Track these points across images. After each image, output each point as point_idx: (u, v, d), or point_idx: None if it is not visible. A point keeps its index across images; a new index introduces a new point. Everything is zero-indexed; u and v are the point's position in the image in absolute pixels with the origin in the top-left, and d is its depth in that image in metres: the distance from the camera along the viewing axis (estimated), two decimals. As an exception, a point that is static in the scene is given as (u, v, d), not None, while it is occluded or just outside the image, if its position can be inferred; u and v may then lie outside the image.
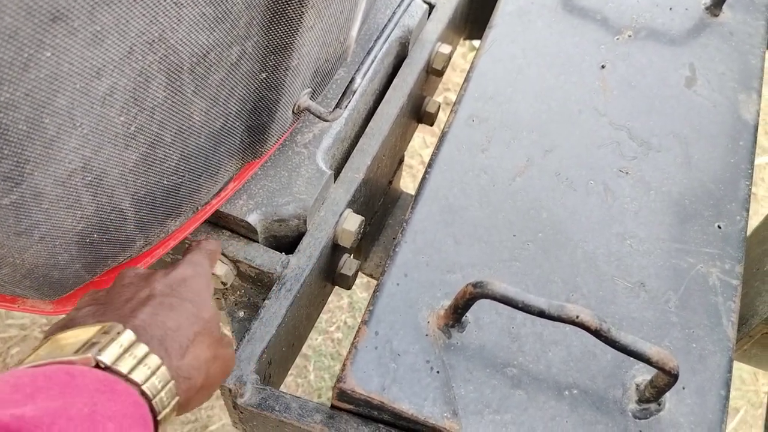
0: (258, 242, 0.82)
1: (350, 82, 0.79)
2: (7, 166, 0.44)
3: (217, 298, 0.89)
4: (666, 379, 0.63)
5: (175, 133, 0.60)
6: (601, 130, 0.86)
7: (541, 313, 0.62)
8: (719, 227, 0.79)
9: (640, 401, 0.67)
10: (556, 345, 0.70)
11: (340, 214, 0.85)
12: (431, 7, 1.06)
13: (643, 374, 0.68)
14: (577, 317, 0.62)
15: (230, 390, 0.70)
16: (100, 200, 0.57)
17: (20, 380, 0.45)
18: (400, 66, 1.00)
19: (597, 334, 0.62)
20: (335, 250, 0.87)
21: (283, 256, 0.80)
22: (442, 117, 1.20)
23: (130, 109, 0.51)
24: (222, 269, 0.81)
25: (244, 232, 0.82)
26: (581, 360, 0.69)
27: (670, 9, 0.98)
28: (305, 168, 0.85)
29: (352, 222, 0.85)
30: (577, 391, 0.68)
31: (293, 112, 0.79)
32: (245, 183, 0.82)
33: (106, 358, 0.49)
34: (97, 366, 0.48)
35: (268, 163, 0.84)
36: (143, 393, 0.50)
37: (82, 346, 0.49)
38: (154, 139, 0.57)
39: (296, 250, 0.81)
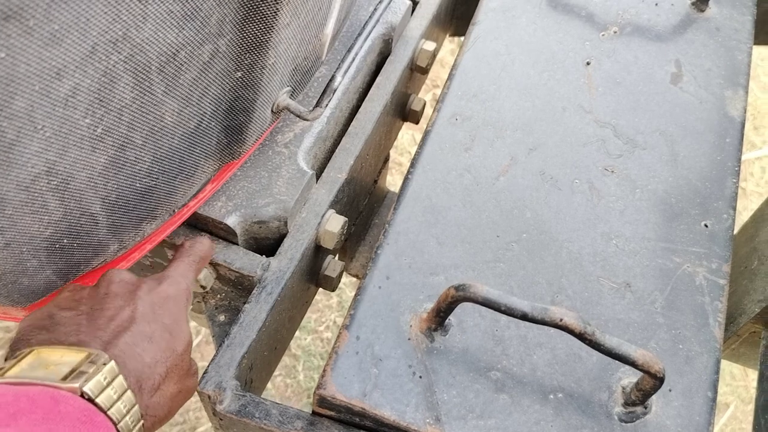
0: (238, 245, 0.81)
1: (330, 80, 0.78)
2: (-37, 171, 0.43)
3: (198, 302, 0.87)
4: (652, 382, 0.62)
5: (146, 135, 0.58)
6: (586, 127, 0.85)
7: (525, 317, 0.61)
8: (706, 226, 0.78)
9: (626, 404, 0.66)
10: (541, 348, 0.69)
11: (323, 215, 0.83)
12: (415, 3, 1.05)
13: (629, 377, 0.67)
14: (561, 320, 0.60)
15: (209, 396, 0.69)
16: (68, 205, 0.55)
17: (4, 398, 0.46)
18: (384, 63, 0.98)
19: (581, 337, 0.61)
20: (318, 251, 0.85)
21: (264, 258, 0.79)
22: (428, 114, 1.19)
23: (95, 110, 0.50)
24: (202, 272, 0.79)
25: (223, 234, 0.80)
26: (566, 363, 0.68)
27: (656, 4, 0.96)
28: (286, 168, 0.84)
29: (335, 223, 0.83)
30: (562, 395, 0.66)
31: (272, 111, 0.78)
32: (224, 184, 0.80)
33: (91, 390, 0.50)
34: (81, 395, 0.50)
35: (248, 164, 0.83)
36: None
37: (69, 373, 0.50)
38: (124, 141, 0.56)
39: (277, 253, 0.80)
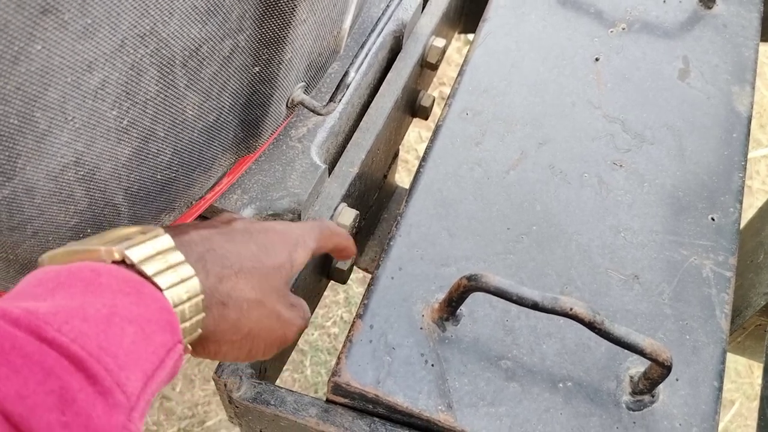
0: (252, 237, 0.82)
1: (344, 75, 0.79)
2: (-2, 160, 0.44)
3: (212, 293, 0.89)
4: (659, 370, 0.63)
5: (168, 128, 0.60)
6: (594, 122, 0.86)
7: (535, 306, 0.62)
8: (713, 219, 0.79)
9: (633, 393, 0.67)
10: (551, 337, 0.70)
11: (335, 209, 0.85)
12: (425, 0, 1.06)
13: (637, 366, 0.69)
14: (571, 309, 0.62)
15: (225, 384, 0.70)
16: (93, 195, 0.57)
17: (47, 274, 0.43)
18: (395, 60, 1.00)
19: (590, 326, 0.62)
20: (330, 244, 0.87)
21: (278, 250, 0.80)
22: (437, 111, 1.20)
23: (122, 102, 0.51)
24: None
25: (238, 226, 0.82)
26: (575, 352, 0.69)
27: (664, 1, 0.98)
28: (299, 162, 0.85)
29: (347, 216, 0.85)
30: (571, 384, 0.68)
31: (287, 106, 0.79)
32: (239, 177, 0.82)
33: (134, 255, 0.44)
34: (123, 263, 0.44)
35: (262, 158, 0.84)
36: None
37: (113, 241, 0.46)
38: (147, 134, 0.57)
39: (291, 245, 0.81)
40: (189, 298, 0.46)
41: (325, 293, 2.14)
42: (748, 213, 2.25)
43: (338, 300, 2.13)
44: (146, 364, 0.41)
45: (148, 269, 0.44)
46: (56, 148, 0.48)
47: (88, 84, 0.46)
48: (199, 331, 0.48)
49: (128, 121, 0.53)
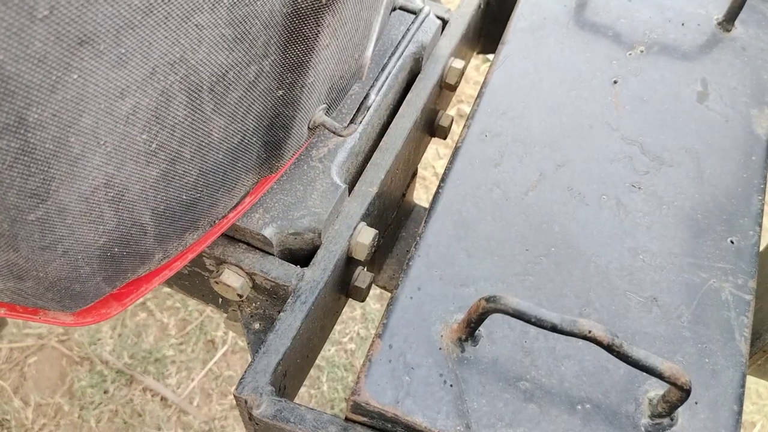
0: (274, 255, 0.83)
1: (365, 98, 0.80)
2: (33, 183, 0.46)
3: (233, 310, 0.90)
4: (678, 394, 0.63)
5: (195, 150, 0.61)
6: (613, 144, 0.87)
7: (554, 328, 0.63)
8: (732, 242, 0.79)
9: (652, 416, 0.67)
10: (569, 359, 0.70)
11: (354, 228, 0.86)
12: (444, 22, 1.08)
13: (656, 389, 0.69)
14: (590, 332, 0.62)
15: (246, 401, 0.71)
16: (121, 215, 0.58)
17: None
18: (414, 81, 1.01)
19: (609, 349, 0.62)
20: (349, 262, 0.88)
21: (299, 269, 0.81)
22: (455, 129, 1.22)
23: (151, 127, 0.53)
24: (238, 281, 0.82)
25: (260, 245, 0.83)
26: (594, 374, 0.70)
27: (683, 24, 0.98)
28: (320, 182, 0.86)
29: (366, 235, 0.86)
30: (590, 406, 0.68)
31: (309, 127, 0.81)
32: (261, 197, 0.83)
33: None
34: None
35: (284, 178, 0.86)
36: None
37: None
38: (175, 156, 0.59)
39: (311, 263, 0.82)
40: None
41: (344, 312, 2.14)
42: (769, 233, 2.22)
43: (355, 316, 2.14)
44: None
45: None
46: (88, 171, 0.50)
47: (120, 110, 0.48)
48: None
49: (157, 144, 0.55)
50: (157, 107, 0.52)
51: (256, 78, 0.63)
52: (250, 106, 0.66)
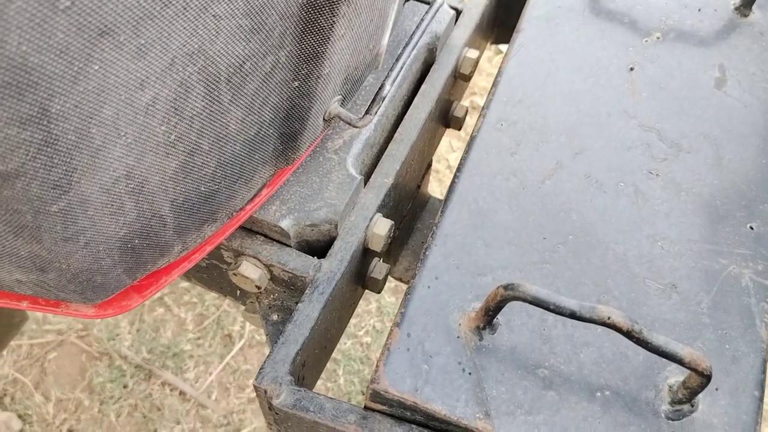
0: (291, 247, 0.84)
1: (380, 89, 0.81)
2: (56, 174, 0.46)
3: (251, 302, 0.91)
4: (699, 380, 0.63)
5: (213, 141, 0.62)
6: (630, 132, 0.86)
7: (573, 315, 0.62)
8: (751, 228, 0.78)
9: (672, 402, 0.67)
10: (588, 346, 0.70)
11: (371, 219, 0.86)
12: (458, 12, 1.07)
13: (676, 375, 0.68)
14: (609, 318, 0.62)
15: (266, 391, 0.72)
16: (141, 207, 0.59)
17: None
18: (428, 71, 1.01)
19: (629, 335, 0.62)
20: (366, 254, 0.88)
21: (316, 260, 0.82)
22: (469, 121, 1.21)
23: (170, 118, 0.53)
24: (256, 273, 0.83)
25: (277, 237, 0.84)
26: (613, 361, 0.69)
27: (699, 10, 0.97)
28: (336, 174, 0.87)
29: (382, 226, 0.86)
30: (609, 393, 0.68)
31: (324, 119, 0.81)
32: (278, 189, 0.83)
33: None
34: None
35: (300, 169, 0.86)
36: None
37: None
38: (193, 147, 0.59)
39: (328, 254, 0.83)
40: None
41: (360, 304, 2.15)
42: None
43: (370, 309, 2.14)
44: None
45: None
46: (109, 163, 0.50)
47: (140, 101, 0.48)
48: None
49: (176, 135, 0.55)
50: (176, 98, 0.52)
51: (272, 69, 0.63)
52: (266, 97, 0.66)
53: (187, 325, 2.06)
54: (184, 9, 0.46)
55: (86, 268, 0.61)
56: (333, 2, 0.64)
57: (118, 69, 0.44)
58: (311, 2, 0.62)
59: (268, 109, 0.68)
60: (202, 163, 0.63)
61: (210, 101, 0.57)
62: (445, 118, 1.11)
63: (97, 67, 0.42)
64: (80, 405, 1.91)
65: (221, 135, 0.63)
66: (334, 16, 0.66)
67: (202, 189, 0.66)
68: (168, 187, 0.60)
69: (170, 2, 0.44)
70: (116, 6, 0.40)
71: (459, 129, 1.14)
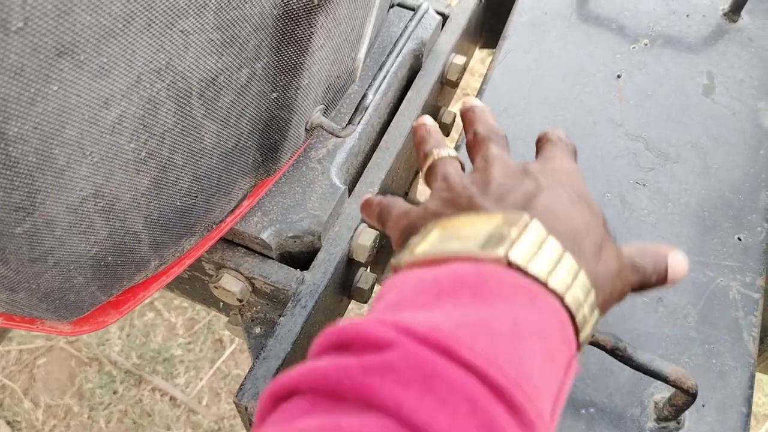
0: (273, 259, 0.82)
1: (362, 98, 0.79)
2: (18, 196, 0.45)
3: (234, 314, 0.90)
4: (684, 398, 0.62)
5: (187, 156, 0.60)
6: (617, 141, 0.85)
7: (556, 332, 0.61)
8: (739, 239, 0.77)
9: (658, 419, 0.66)
10: (573, 362, 0.69)
11: (355, 229, 0.85)
12: (445, 18, 1.06)
13: (662, 392, 0.67)
14: (593, 336, 0.61)
15: (246, 408, 0.70)
16: (113, 224, 0.57)
17: (423, 280, 0.38)
18: (414, 78, 1.00)
19: (613, 353, 0.61)
20: (350, 264, 0.87)
21: (298, 272, 0.80)
22: (459, 124, 1.19)
23: (140, 135, 0.52)
24: (237, 286, 0.81)
25: (258, 249, 0.82)
26: (598, 378, 0.68)
27: (687, 16, 0.96)
28: (319, 184, 0.85)
29: (367, 237, 0.84)
30: (594, 410, 0.67)
31: (306, 129, 0.80)
32: (259, 200, 0.82)
33: (519, 257, 0.38)
34: (508, 265, 0.38)
35: (282, 180, 0.85)
36: (564, 306, 0.39)
37: (486, 241, 0.39)
38: (166, 163, 0.58)
39: (311, 266, 0.81)
40: (585, 298, 0.40)
41: (349, 307, 2.14)
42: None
43: (362, 314, 2.13)
44: (552, 389, 0.36)
45: (539, 272, 0.38)
46: (75, 182, 0.49)
47: (105, 120, 0.47)
48: (596, 322, 0.42)
49: (146, 152, 0.54)
50: (145, 115, 0.51)
51: (248, 81, 0.62)
52: (243, 109, 0.65)
53: (177, 329, 2.04)
54: (149, 25, 0.44)
55: (58, 287, 0.59)
56: (310, 13, 0.63)
57: (79, 89, 0.43)
58: (287, 14, 0.60)
59: (245, 121, 0.67)
60: (177, 178, 0.61)
61: (182, 116, 0.55)
62: (433, 124, 1.09)
63: (56, 88, 0.41)
64: (70, 411, 1.90)
65: (196, 149, 0.61)
66: (311, 27, 0.64)
67: (178, 204, 0.65)
68: (141, 203, 0.59)
69: (133, 19, 0.42)
70: (73, 25, 0.39)
71: (447, 135, 1.13)
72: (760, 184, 0.81)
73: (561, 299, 0.39)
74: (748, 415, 0.67)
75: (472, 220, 0.42)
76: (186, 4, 0.46)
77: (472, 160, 0.55)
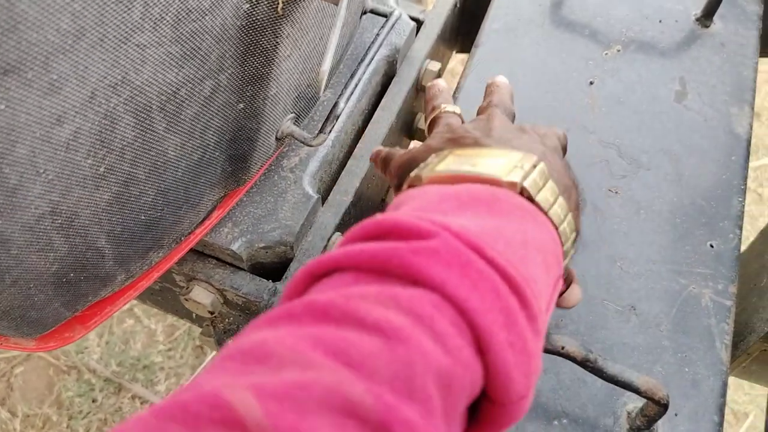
0: (245, 270, 0.81)
1: (333, 106, 0.78)
2: (-32, 217, 0.44)
3: (206, 326, 0.88)
4: (656, 408, 0.62)
5: (150, 170, 0.59)
6: (589, 148, 0.85)
7: (526, 344, 0.61)
8: (711, 246, 0.77)
9: (631, 429, 0.66)
10: (546, 373, 0.69)
11: (329, 239, 0.84)
12: (419, 23, 1.05)
13: (635, 402, 0.67)
14: (563, 348, 0.60)
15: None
16: (73, 241, 0.56)
17: (443, 192, 0.44)
18: (389, 85, 0.99)
19: (583, 364, 0.60)
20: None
21: (270, 283, 0.79)
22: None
23: (97, 151, 0.51)
24: (208, 298, 0.80)
25: (230, 260, 0.81)
26: (571, 388, 0.68)
27: (660, 21, 0.96)
28: (291, 193, 0.84)
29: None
30: (567, 421, 0.66)
31: (276, 138, 0.79)
32: (230, 210, 0.81)
33: (530, 186, 0.46)
34: (520, 192, 0.46)
35: (254, 190, 0.84)
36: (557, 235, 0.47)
37: (509, 169, 0.46)
38: (127, 178, 0.57)
39: (284, 278, 0.80)
40: (569, 236, 0.48)
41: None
42: (759, 222, 2.20)
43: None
44: (546, 296, 0.43)
45: (543, 201, 0.46)
46: (29, 201, 0.48)
47: (58, 137, 0.46)
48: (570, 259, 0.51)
49: (105, 167, 0.53)
50: (101, 131, 0.49)
51: (212, 93, 0.61)
52: (208, 121, 0.63)
53: (157, 336, 2.02)
54: (101, 41, 0.43)
55: (18, 305, 0.58)
56: (275, 23, 0.62)
57: (28, 106, 0.42)
58: (251, 24, 0.59)
59: (211, 132, 0.66)
60: (140, 192, 0.60)
61: (142, 130, 0.54)
62: (410, 130, 1.09)
63: (3, 107, 0.40)
64: (48, 420, 1.87)
65: (159, 163, 0.60)
66: (276, 37, 0.63)
67: (143, 217, 0.64)
68: (102, 219, 0.57)
69: (83, 35, 0.41)
70: (19, 43, 0.38)
71: (423, 140, 1.12)
72: (732, 191, 0.81)
73: (556, 228, 0.47)
74: (721, 423, 0.67)
75: (492, 152, 0.49)
76: (140, 18, 0.45)
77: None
